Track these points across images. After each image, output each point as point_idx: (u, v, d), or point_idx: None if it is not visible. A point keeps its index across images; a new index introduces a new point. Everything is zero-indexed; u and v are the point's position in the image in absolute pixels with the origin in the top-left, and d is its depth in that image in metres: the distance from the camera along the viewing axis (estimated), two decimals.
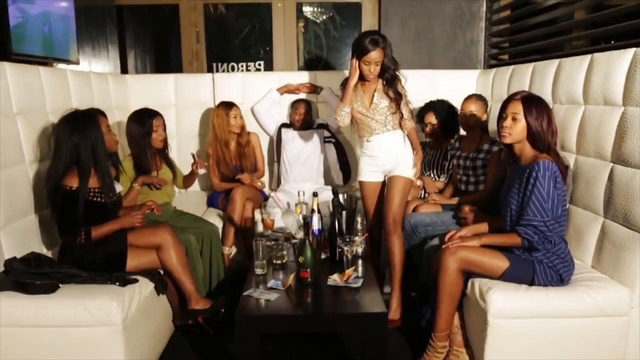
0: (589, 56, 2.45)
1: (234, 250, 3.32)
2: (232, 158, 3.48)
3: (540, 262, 2.12)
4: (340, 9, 4.82)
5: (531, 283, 2.13)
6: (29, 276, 2.10)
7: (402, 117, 2.75)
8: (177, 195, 3.49)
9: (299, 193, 2.76)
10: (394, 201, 2.73)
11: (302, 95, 3.84)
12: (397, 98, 2.71)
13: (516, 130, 2.13)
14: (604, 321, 2.06)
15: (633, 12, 2.72)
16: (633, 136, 2.09)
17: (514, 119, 2.13)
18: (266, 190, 3.64)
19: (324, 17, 4.97)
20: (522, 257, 2.16)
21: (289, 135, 3.64)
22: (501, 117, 2.20)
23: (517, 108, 2.13)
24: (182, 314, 2.64)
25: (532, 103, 2.13)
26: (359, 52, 2.63)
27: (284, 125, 3.70)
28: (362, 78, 2.72)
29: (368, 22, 4.49)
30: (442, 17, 4.23)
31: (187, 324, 2.65)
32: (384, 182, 2.89)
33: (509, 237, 2.16)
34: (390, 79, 2.70)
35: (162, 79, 4.00)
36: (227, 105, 3.46)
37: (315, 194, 2.55)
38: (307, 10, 4.84)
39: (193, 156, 3.29)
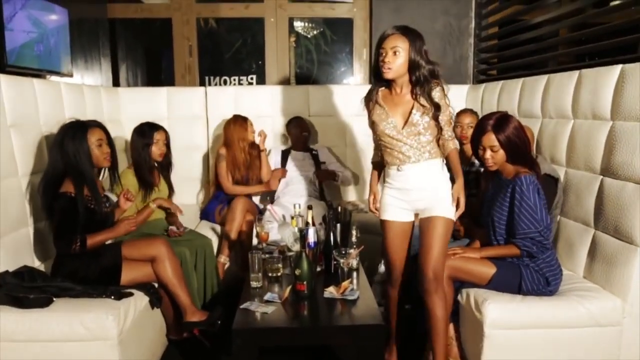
0: (577, 72, 2.53)
1: (228, 261, 3.30)
2: (244, 163, 3.51)
3: (527, 266, 2.18)
4: (331, 24, 4.89)
5: (519, 287, 2.17)
6: (22, 290, 2.07)
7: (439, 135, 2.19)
8: None
9: (294, 206, 2.77)
10: (434, 250, 2.13)
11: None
12: (434, 110, 2.12)
13: (498, 158, 2.20)
14: (598, 331, 2.10)
15: (616, 30, 2.81)
16: (622, 149, 2.15)
17: (492, 150, 2.19)
18: (261, 204, 3.66)
19: (315, 32, 5.03)
20: (508, 262, 2.22)
21: (291, 157, 3.73)
22: (478, 147, 2.25)
23: (492, 140, 2.18)
24: (176, 327, 2.62)
25: (502, 130, 2.17)
26: (378, 43, 2.15)
27: (284, 151, 3.77)
28: (388, 86, 2.20)
29: (359, 37, 4.56)
30: (432, 34, 4.30)
31: (182, 337, 2.63)
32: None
33: (507, 249, 2.21)
34: (421, 79, 2.10)
35: (155, 92, 4.01)
36: (243, 118, 3.54)
37: (310, 207, 2.56)
38: (299, 25, 4.90)
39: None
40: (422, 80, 2.10)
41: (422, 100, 2.12)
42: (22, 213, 2.43)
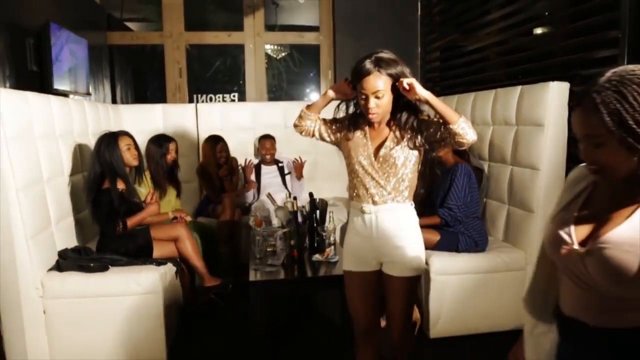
0: (493, 90, 3.39)
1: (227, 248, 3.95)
2: (216, 176, 4.19)
3: (462, 233, 2.98)
4: (300, 48, 5.66)
5: (456, 248, 2.97)
6: (83, 260, 2.70)
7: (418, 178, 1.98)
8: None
9: (286, 194, 3.50)
10: (401, 316, 1.98)
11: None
12: (411, 136, 1.88)
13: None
14: (510, 275, 2.94)
15: (537, 55, 3.66)
16: (522, 146, 3.01)
17: None
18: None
19: (283, 54, 5.80)
20: (448, 231, 3.01)
21: (263, 171, 4.42)
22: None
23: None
24: (192, 295, 3.27)
25: None
26: (354, 77, 1.88)
27: (257, 165, 4.44)
28: (369, 123, 1.94)
29: (325, 61, 5.35)
30: None
31: (197, 303, 3.29)
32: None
33: (431, 219, 2.97)
34: (403, 116, 1.90)
35: (151, 109, 4.60)
36: (215, 139, 4.18)
37: (295, 198, 3.31)
38: (268, 47, 5.64)
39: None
40: (404, 108, 1.91)
41: (399, 130, 1.91)
42: (69, 205, 3.04)
